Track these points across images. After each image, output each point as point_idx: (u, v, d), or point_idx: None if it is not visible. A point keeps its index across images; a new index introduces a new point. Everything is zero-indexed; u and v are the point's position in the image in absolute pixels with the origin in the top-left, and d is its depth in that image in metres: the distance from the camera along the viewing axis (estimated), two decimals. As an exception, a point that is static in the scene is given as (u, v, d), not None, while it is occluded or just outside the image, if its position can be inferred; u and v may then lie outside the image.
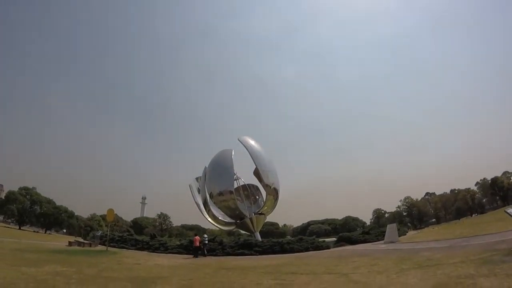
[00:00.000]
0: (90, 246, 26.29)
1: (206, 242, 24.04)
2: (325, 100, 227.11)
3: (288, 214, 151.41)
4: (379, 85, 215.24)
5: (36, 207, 72.86)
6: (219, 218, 38.62)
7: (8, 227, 58.47)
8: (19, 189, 71.86)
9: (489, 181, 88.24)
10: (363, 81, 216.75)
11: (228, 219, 38.73)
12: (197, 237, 23.81)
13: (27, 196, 71.38)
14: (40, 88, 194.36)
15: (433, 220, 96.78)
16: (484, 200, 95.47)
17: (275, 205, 40.05)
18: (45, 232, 69.96)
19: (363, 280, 8.84)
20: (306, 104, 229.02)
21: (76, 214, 79.49)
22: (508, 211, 10.45)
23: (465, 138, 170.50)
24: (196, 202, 39.81)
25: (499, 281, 6.40)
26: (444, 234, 24.20)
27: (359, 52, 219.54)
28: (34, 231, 63.82)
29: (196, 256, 21.96)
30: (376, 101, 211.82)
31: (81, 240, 33.27)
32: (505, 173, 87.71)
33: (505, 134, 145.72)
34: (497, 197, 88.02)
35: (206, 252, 23.00)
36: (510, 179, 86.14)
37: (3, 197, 71.08)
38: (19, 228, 65.24)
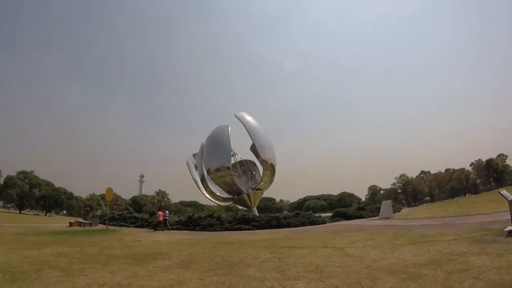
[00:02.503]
0: (91, 225, 26.74)
1: (167, 218, 26.66)
2: (324, 78, 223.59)
3: (284, 189, 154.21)
4: (377, 64, 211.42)
5: (35, 190, 73.49)
6: (217, 194, 39.11)
7: (8, 212, 58.86)
8: (17, 173, 72.21)
9: (484, 163, 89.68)
10: (361, 60, 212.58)
11: (225, 195, 39.25)
12: (161, 213, 26.41)
13: (26, 180, 71.86)
14: (34, 69, 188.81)
15: (427, 198, 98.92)
16: (478, 181, 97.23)
17: (272, 181, 40.57)
18: (46, 215, 70.77)
19: (358, 254, 9.12)
20: (304, 82, 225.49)
21: (75, 195, 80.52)
22: (502, 192, 10.60)
23: (462, 118, 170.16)
24: (193, 179, 40.14)
25: (490, 260, 6.60)
26: (438, 212, 24.75)
27: (358, 31, 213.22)
28: (35, 214, 64.65)
29: (155, 229, 24.14)
30: (375, 80, 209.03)
31: (82, 220, 33.74)
32: (500, 155, 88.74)
33: (502, 116, 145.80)
34: (491, 179, 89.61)
35: (168, 226, 25.48)
36: (505, 161, 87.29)
37: (1, 183, 70.83)
38: (20, 212, 65.93)
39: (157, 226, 24.69)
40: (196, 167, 41.09)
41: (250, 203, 37.87)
